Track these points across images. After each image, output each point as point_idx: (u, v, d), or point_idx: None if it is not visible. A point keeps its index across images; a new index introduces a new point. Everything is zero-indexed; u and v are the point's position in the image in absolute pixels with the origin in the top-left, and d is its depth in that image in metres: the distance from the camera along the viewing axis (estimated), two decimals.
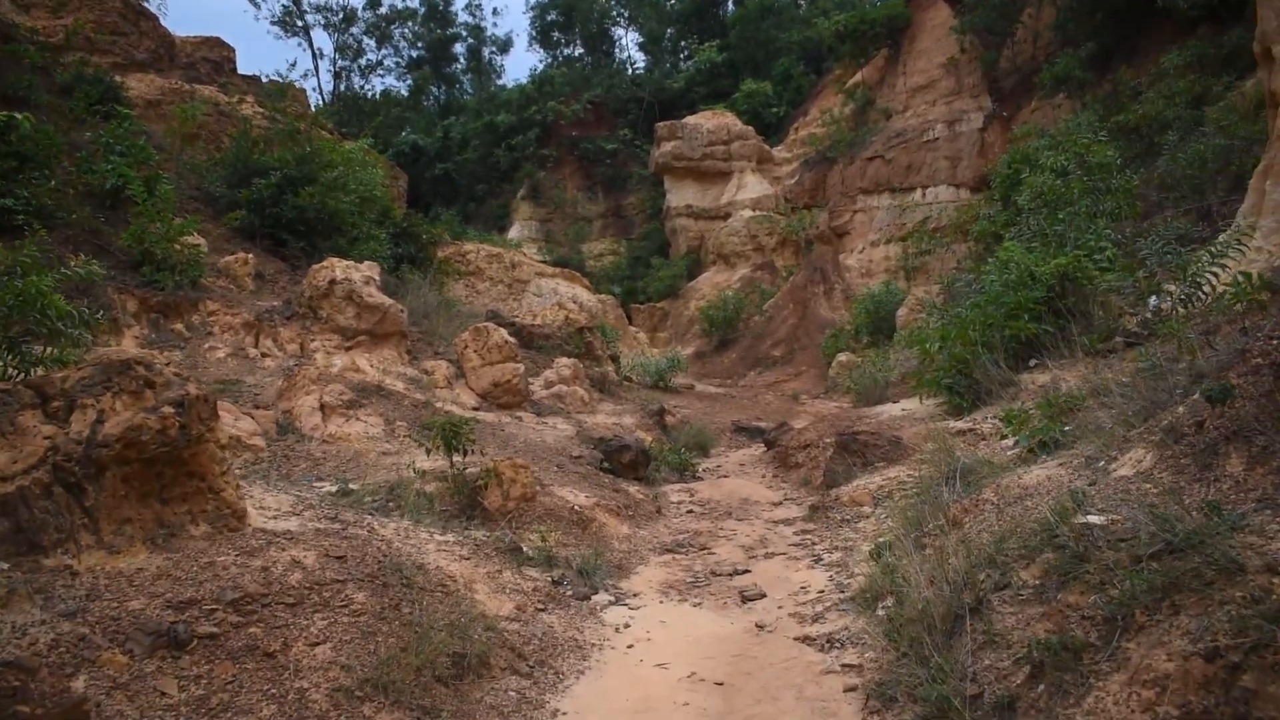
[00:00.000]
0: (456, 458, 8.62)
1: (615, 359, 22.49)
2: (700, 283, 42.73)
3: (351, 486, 9.18)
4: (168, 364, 12.38)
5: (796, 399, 24.44)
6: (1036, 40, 34.90)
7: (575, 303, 24.44)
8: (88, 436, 5.45)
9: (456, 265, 28.01)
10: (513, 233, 50.22)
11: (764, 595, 6.88)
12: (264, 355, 14.52)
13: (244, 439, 10.72)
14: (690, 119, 45.77)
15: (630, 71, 66.56)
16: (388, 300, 14.89)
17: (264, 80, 34.02)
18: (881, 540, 7.40)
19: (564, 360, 16.90)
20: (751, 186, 43.96)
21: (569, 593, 6.88)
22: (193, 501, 5.87)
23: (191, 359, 14.16)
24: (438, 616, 5.39)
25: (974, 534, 5.69)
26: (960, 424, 10.54)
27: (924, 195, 35.49)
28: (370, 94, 63.49)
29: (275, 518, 6.51)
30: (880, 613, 5.76)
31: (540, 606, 6.42)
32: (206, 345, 14.58)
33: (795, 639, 5.92)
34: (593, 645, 5.97)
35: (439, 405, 12.87)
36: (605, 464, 11.62)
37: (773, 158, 45.58)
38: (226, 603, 4.88)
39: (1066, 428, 7.87)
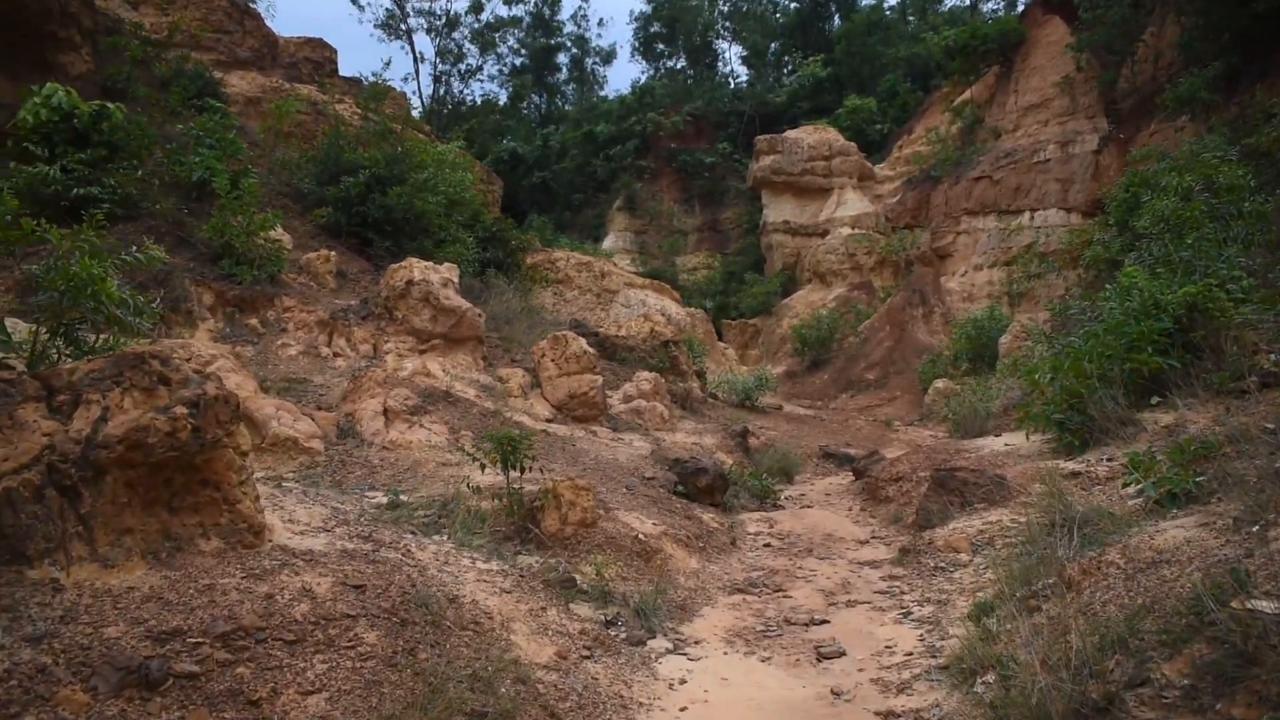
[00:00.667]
0: (514, 474, 7.93)
1: (701, 375, 21.70)
2: (794, 300, 41.70)
3: (403, 498, 8.58)
4: (235, 358, 12.03)
5: (889, 425, 23.32)
6: (1158, 60, 33.22)
7: (663, 315, 23.73)
8: (88, 436, 4.88)
9: (545, 272, 27.57)
10: (607, 243, 49.87)
11: (843, 653, 6.01)
12: (336, 355, 14.12)
13: (301, 441, 10.24)
14: (791, 133, 44.82)
15: (732, 85, 65.93)
16: (465, 303, 14.36)
17: (364, 82, 34.19)
18: (982, 597, 6.48)
19: (644, 374, 16.16)
20: (851, 204, 42.80)
21: (621, 636, 6.11)
22: (205, 513, 5.27)
23: (263, 355, 13.84)
24: (460, 664, 4.67)
25: (1098, 604, 4.77)
26: (1072, 464, 9.50)
27: (1032, 218, 34.02)
28: (470, 99, 63.92)
29: (303, 533, 5.89)
30: (980, 690, 4.87)
31: (586, 652, 5.67)
32: (279, 342, 14.24)
33: (876, 714, 5.04)
34: (640, 705, 5.17)
35: (509, 415, 12.25)
36: (679, 487, 10.84)
37: (874, 175, 44.37)
38: (215, 636, 4.24)
39: (1200, 478, 6.85)
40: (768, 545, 9.42)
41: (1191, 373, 10.67)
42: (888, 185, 43.88)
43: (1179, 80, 28.25)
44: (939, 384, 25.50)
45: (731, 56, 72.27)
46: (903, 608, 6.94)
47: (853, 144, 44.58)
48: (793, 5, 63.44)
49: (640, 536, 7.75)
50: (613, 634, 6.11)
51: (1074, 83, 35.04)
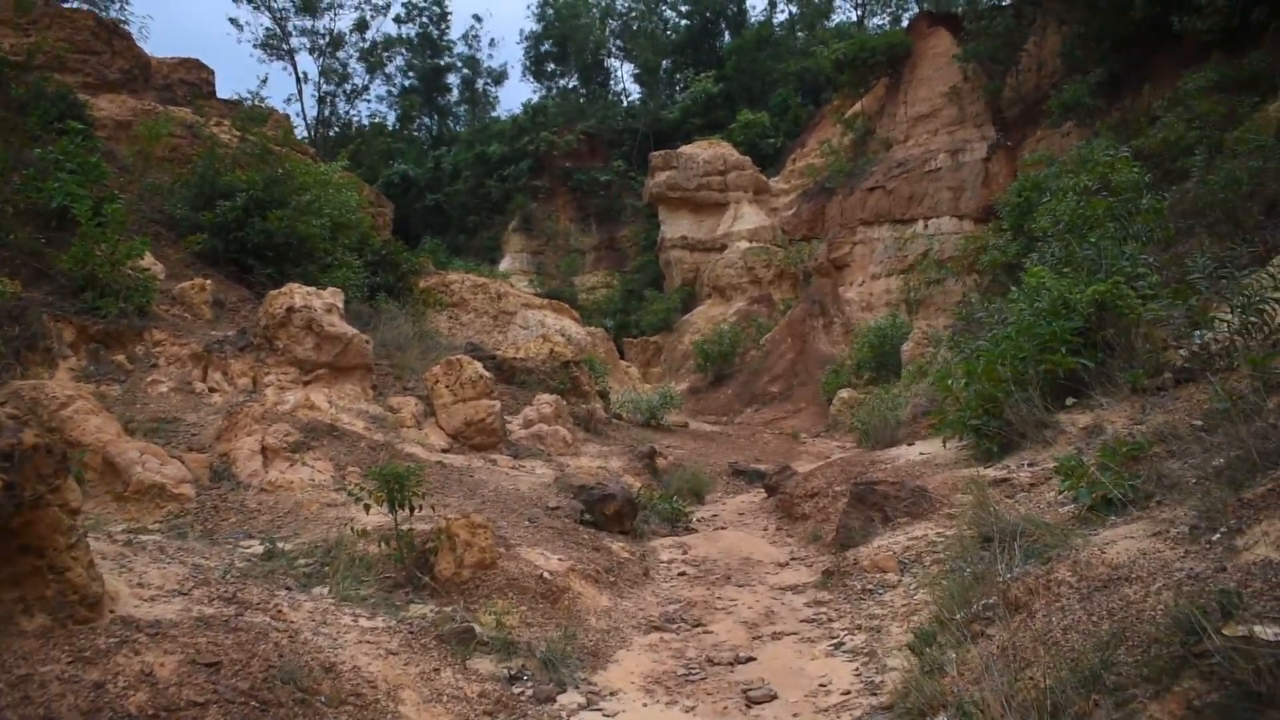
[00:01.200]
0: (403, 513, 7.18)
1: (604, 395, 21.08)
2: (695, 316, 41.41)
3: (282, 546, 7.77)
4: (98, 398, 11.00)
5: (796, 438, 23.03)
6: (1041, 69, 33.95)
7: (563, 335, 23.05)
8: None
9: (439, 296, 26.65)
10: (504, 265, 49.04)
11: (774, 696, 5.43)
12: (212, 390, 13.12)
13: (169, 487, 9.32)
14: (686, 148, 44.67)
15: (625, 103, 65.76)
16: (351, 330, 13.51)
17: (246, 105, 32.88)
18: (918, 622, 6.00)
19: (545, 397, 15.47)
20: (748, 218, 42.78)
21: (528, 693, 5.44)
22: (26, 585, 4.45)
23: (131, 393, 12.77)
24: None
25: (1056, 631, 4.28)
26: (993, 471, 9.16)
27: (926, 226, 34.42)
28: (357, 121, 62.36)
29: (154, 599, 5.09)
30: None
31: (488, 715, 4.99)
32: (149, 379, 13.18)
33: None
34: None
35: (402, 447, 11.46)
36: (586, 515, 10.19)
37: (770, 189, 44.46)
38: None
39: (1134, 481, 6.51)
40: (683, 574, 8.83)
41: (1103, 372, 10.49)
42: (783, 198, 44.01)
43: (1063, 87, 28.83)
44: (843, 394, 25.36)
45: (624, 74, 72.07)
46: (833, 637, 6.41)
47: (747, 158, 44.61)
48: (683, 23, 63.58)
49: (545, 575, 7.08)
50: (518, 692, 5.44)
51: (961, 92, 35.67)
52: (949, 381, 10.96)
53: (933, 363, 20.31)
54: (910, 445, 12.34)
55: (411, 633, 5.56)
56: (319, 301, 13.56)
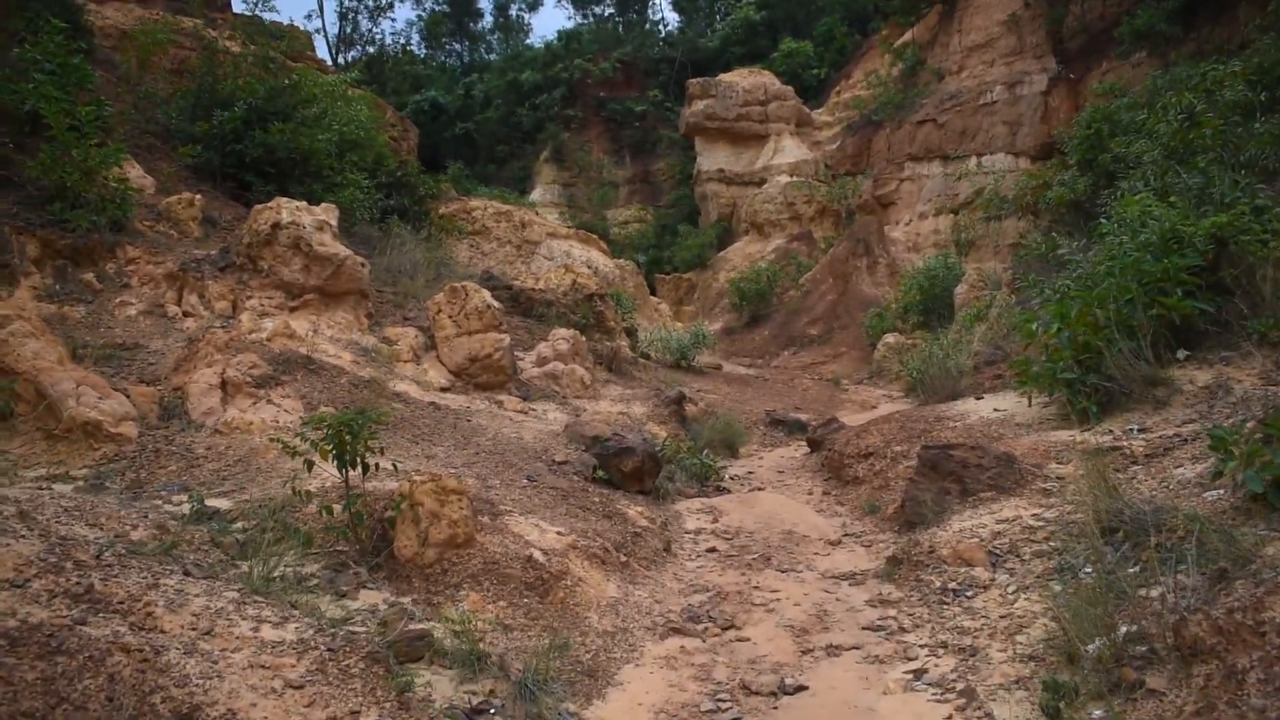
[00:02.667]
0: (355, 473, 5.62)
1: (631, 333, 19.45)
2: (731, 253, 39.53)
3: (218, 505, 6.27)
4: (39, 320, 9.55)
5: (838, 384, 21.32)
6: None
7: (588, 266, 21.42)
8: None
9: (460, 223, 25.03)
10: (534, 196, 47.28)
11: None
12: (187, 315, 11.63)
13: (106, 426, 7.88)
14: (725, 76, 42.49)
15: (663, 32, 63.23)
16: (344, 250, 11.96)
17: (265, 21, 31.24)
18: (1031, 648, 4.41)
19: (562, 332, 13.84)
20: (789, 151, 40.65)
21: None
22: None
23: (96, 315, 11.31)
24: None
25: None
26: (1094, 437, 7.49)
27: (979, 163, 32.33)
28: (381, 39, 60.03)
29: None
30: None
31: None
32: (118, 300, 11.70)
33: None
34: None
35: (390, 384, 9.94)
36: (599, 472, 8.62)
37: (813, 121, 42.26)
38: None
39: None
40: (712, 550, 7.23)
41: (1221, 319, 8.78)
42: (826, 131, 41.88)
43: (1135, 13, 26.70)
44: (888, 339, 23.63)
45: (661, 2, 69.48)
46: (909, 658, 4.81)
47: (789, 88, 42.41)
48: None
49: (535, 556, 5.51)
50: None
51: (1021, 21, 33.47)
52: (1034, 326, 9.21)
53: (989, 307, 18.54)
54: (978, 399, 10.64)
55: (331, 649, 4.00)
56: (309, 218, 12.00)
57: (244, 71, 18.56)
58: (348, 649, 4.02)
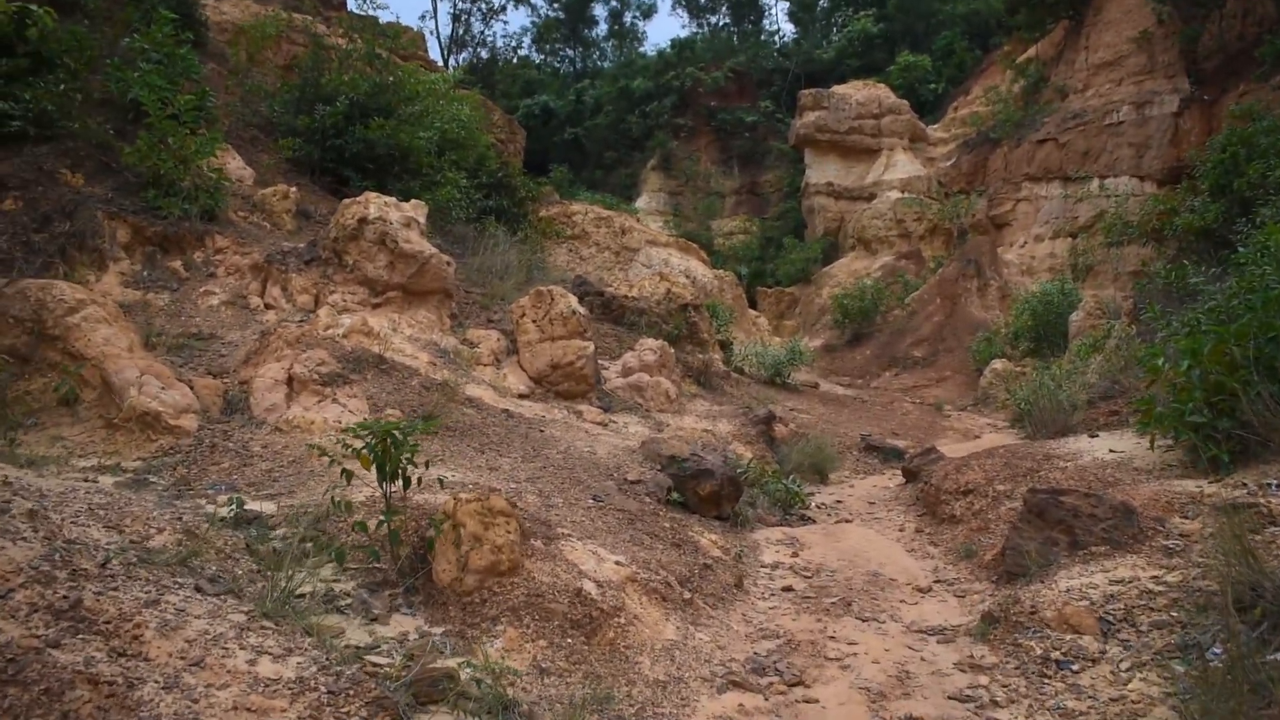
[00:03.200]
0: (397, 486, 5.17)
1: (726, 345, 18.85)
2: (836, 269, 38.58)
3: (261, 508, 5.90)
4: (116, 306, 9.42)
5: (940, 410, 20.35)
6: (1248, 14, 29.88)
7: (686, 276, 20.89)
8: None
9: (559, 227, 24.79)
10: (640, 203, 47.07)
11: None
12: (268, 307, 11.47)
13: (166, 418, 7.61)
14: (838, 88, 41.63)
15: (778, 43, 62.43)
16: (429, 249, 11.65)
17: (379, 20, 31.56)
18: None
19: (649, 342, 13.30)
20: (901, 166, 39.53)
21: None
22: None
23: (178, 304, 11.22)
24: None
25: None
26: (1225, 490, 6.65)
27: (1101, 186, 30.78)
28: (492, 42, 60.42)
29: None
30: None
31: None
32: (202, 289, 11.61)
33: None
34: None
35: (463, 389, 9.53)
36: (674, 494, 8.06)
37: (927, 137, 41.05)
38: None
39: None
40: (788, 589, 6.59)
41: None
42: (941, 148, 40.64)
43: (1277, 33, 25.10)
44: (996, 365, 22.53)
45: (778, 13, 68.76)
46: None
47: (904, 102, 41.32)
48: None
49: (587, 590, 4.97)
50: None
51: (1152, 38, 31.90)
52: (1160, 361, 8.35)
53: (1107, 338, 17.42)
54: (1093, 437, 9.76)
55: (332, 692, 3.52)
56: (396, 214, 11.72)
57: (349, 67, 18.59)
58: (351, 692, 3.54)
